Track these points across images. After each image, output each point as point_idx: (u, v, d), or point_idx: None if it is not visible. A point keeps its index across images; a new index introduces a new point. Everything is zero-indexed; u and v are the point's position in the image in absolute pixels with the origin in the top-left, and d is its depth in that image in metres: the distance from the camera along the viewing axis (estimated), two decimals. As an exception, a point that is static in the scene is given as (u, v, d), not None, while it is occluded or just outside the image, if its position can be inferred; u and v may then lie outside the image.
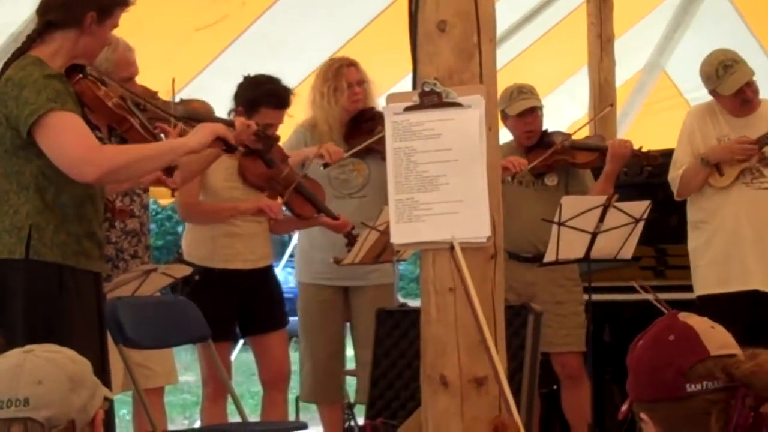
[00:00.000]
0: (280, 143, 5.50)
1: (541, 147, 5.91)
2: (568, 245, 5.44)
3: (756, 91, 5.59)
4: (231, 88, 5.51)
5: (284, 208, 5.48)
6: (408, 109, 3.39)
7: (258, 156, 5.30)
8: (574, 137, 6.07)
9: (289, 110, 5.46)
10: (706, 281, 5.60)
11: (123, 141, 4.80)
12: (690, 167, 5.58)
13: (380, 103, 5.51)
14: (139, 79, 4.73)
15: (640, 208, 5.51)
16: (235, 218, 5.34)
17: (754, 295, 5.48)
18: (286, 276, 10.72)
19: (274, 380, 5.50)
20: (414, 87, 3.43)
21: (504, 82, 5.61)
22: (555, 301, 5.77)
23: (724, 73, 5.50)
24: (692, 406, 2.07)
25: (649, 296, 4.42)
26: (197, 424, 8.58)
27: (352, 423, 5.63)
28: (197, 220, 5.46)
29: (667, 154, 6.49)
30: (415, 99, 3.37)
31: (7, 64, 3.73)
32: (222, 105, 5.37)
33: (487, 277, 3.37)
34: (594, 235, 5.45)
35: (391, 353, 5.23)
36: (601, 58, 8.09)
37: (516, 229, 5.52)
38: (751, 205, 5.51)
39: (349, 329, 5.94)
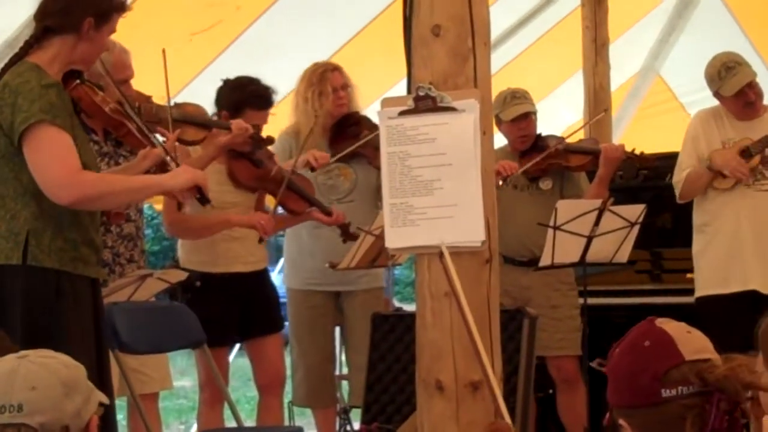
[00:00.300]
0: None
1: (536, 151, 5.91)
2: (564, 249, 5.43)
3: (759, 94, 5.59)
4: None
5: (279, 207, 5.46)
6: (402, 113, 3.39)
7: (245, 157, 5.29)
8: (568, 141, 6.07)
9: (274, 110, 5.46)
10: (706, 282, 5.61)
11: (119, 144, 4.81)
12: (694, 171, 5.59)
13: (375, 107, 5.52)
14: (134, 84, 4.73)
15: (635, 211, 5.51)
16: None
17: (753, 296, 5.48)
18: (281, 281, 10.70)
19: (269, 384, 5.50)
20: (408, 91, 3.43)
21: (499, 86, 5.61)
22: (550, 305, 5.77)
23: (726, 74, 5.51)
24: (668, 411, 2.08)
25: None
26: (193, 430, 8.57)
27: (348, 428, 5.63)
28: (187, 236, 5.41)
29: (663, 158, 6.49)
30: (410, 103, 3.37)
31: (4, 70, 3.72)
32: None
33: (482, 281, 3.37)
34: (589, 239, 5.45)
35: (387, 357, 5.23)
36: (596, 62, 8.10)
37: (511, 233, 5.52)
38: (752, 206, 5.52)
39: (338, 334, 5.95)
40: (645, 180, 6.67)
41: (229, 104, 5.30)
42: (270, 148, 5.42)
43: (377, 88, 6.93)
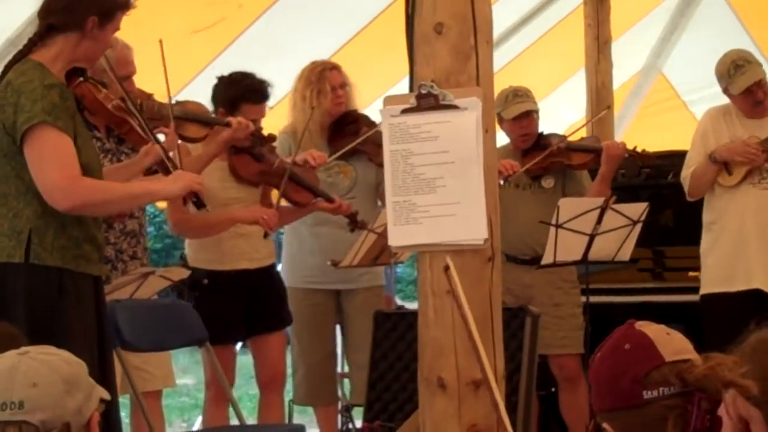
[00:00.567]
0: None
1: (537, 149, 5.91)
2: (566, 247, 5.44)
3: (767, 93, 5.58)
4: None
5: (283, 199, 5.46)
6: (405, 111, 3.39)
7: (246, 152, 5.28)
8: (570, 139, 6.07)
9: (276, 109, 5.45)
10: (711, 280, 5.61)
11: (121, 141, 4.81)
12: (699, 166, 5.58)
13: (377, 105, 5.51)
14: (135, 81, 4.73)
15: (637, 209, 5.51)
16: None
17: (757, 295, 5.48)
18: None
19: (269, 382, 5.49)
20: (411, 89, 3.43)
21: (501, 84, 5.60)
22: (553, 303, 5.77)
23: (734, 72, 5.50)
24: (650, 412, 2.08)
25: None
26: (195, 427, 8.57)
27: (350, 426, 5.63)
28: (191, 235, 5.41)
29: (665, 156, 6.49)
30: (412, 101, 3.37)
31: (7, 67, 3.72)
32: (219, 108, 5.37)
33: (484, 280, 3.37)
34: (592, 237, 5.45)
35: (389, 356, 5.23)
36: (599, 60, 8.09)
37: (513, 232, 5.52)
38: (757, 205, 5.51)
39: (339, 332, 5.94)
40: (647, 178, 6.67)
41: (224, 100, 5.29)
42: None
43: (379, 86, 6.92)
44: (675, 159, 6.26)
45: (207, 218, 5.16)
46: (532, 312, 5.09)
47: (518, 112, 5.84)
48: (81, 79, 3.96)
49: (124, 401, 5.05)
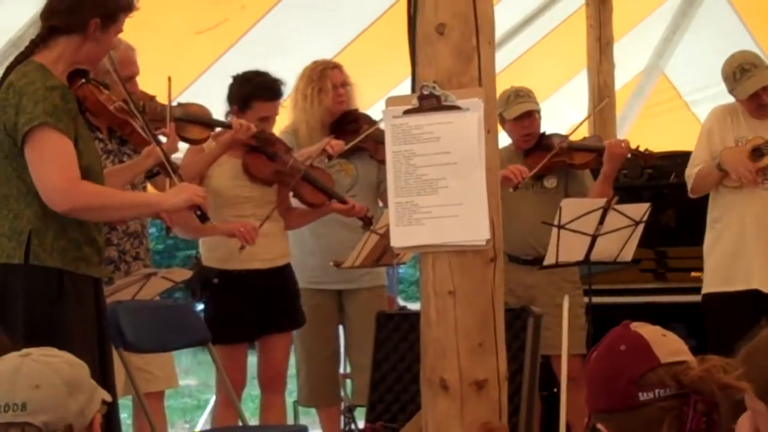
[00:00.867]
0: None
1: (540, 150, 5.91)
2: (568, 248, 5.43)
3: None
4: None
5: (296, 199, 5.46)
6: (407, 112, 3.38)
7: (260, 151, 5.29)
8: (573, 136, 6.07)
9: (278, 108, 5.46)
10: (712, 279, 5.61)
11: (123, 142, 4.81)
12: (705, 167, 5.57)
13: (379, 106, 5.52)
14: (138, 82, 4.73)
15: (640, 210, 5.51)
16: (248, 218, 5.30)
17: (757, 296, 5.48)
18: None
19: (269, 382, 5.48)
20: (413, 90, 3.43)
21: (503, 85, 5.61)
22: (555, 304, 5.75)
23: (741, 77, 5.49)
24: (645, 414, 2.08)
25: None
26: (198, 428, 8.59)
27: (353, 426, 5.64)
28: (187, 235, 5.46)
29: (667, 157, 6.49)
30: (414, 102, 3.37)
31: (9, 69, 3.72)
32: (221, 108, 5.37)
33: (486, 280, 3.36)
34: (594, 238, 5.45)
35: (391, 356, 5.23)
36: (601, 61, 8.09)
37: (516, 232, 5.52)
38: (759, 206, 5.51)
39: (341, 332, 5.94)
40: (649, 179, 6.67)
41: (238, 98, 5.31)
42: None
43: (381, 87, 6.93)
44: (677, 159, 6.25)
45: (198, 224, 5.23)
46: (535, 313, 5.09)
47: (520, 112, 5.84)
48: (83, 80, 3.96)
49: (126, 402, 5.05)
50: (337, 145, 5.46)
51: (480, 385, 3.32)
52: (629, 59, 9.11)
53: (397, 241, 3.46)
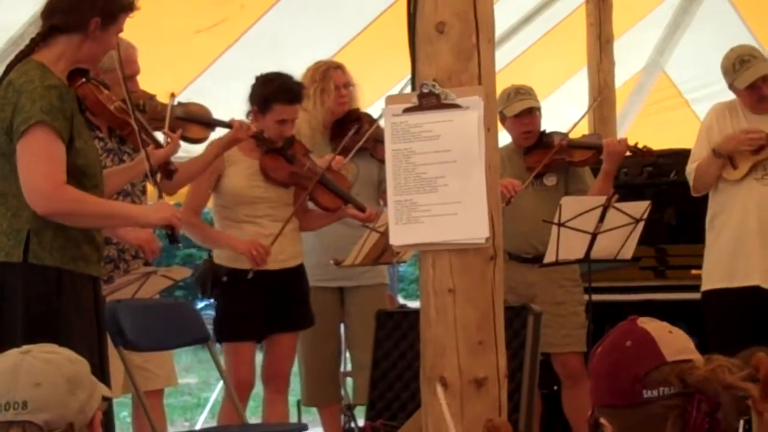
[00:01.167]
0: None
1: (540, 147, 5.91)
2: (568, 246, 5.44)
3: None
4: (230, 91, 5.50)
5: (311, 202, 5.46)
6: (407, 110, 3.39)
7: (278, 153, 5.29)
8: (573, 132, 6.08)
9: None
10: (712, 276, 5.60)
11: (123, 141, 4.81)
12: (704, 160, 5.56)
13: (379, 104, 5.52)
14: (139, 81, 4.73)
15: (640, 208, 5.51)
16: (262, 219, 5.31)
17: (757, 291, 5.48)
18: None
19: (272, 380, 5.48)
20: (413, 88, 3.43)
21: (503, 83, 5.61)
22: (555, 302, 5.77)
23: (740, 67, 5.49)
24: (649, 412, 2.07)
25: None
26: (198, 426, 8.59)
27: (353, 424, 5.64)
28: (194, 237, 5.45)
29: (667, 155, 6.48)
30: (414, 100, 3.37)
31: (10, 67, 3.72)
32: (221, 107, 5.36)
33: (486, 278, 3.37)
34: (594, 236, 5.45)
35: (391, 355, 5.23)
36: (601, 59, 8.09)
37: (516, 230, 5.52)
38: (759, 201, 5.49)
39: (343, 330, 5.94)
40: (649, 176, 6.67)
41: (258, 99, 5.31)
42: None
43: (381, 86, 6.93)
44: (677, 157, 6.25)
45: (208, 233, 5.35)
46: (535, 310, 5.09)
47: (520, 109, 5.85)
48: (83, 79, 3.96)
49: (126, 400, 5.06)
50: (340, 162, 5.48)
51: (480, 383, 3.33)
52: (629, 57, 9.11)
53: (396, 239, 3.46)
